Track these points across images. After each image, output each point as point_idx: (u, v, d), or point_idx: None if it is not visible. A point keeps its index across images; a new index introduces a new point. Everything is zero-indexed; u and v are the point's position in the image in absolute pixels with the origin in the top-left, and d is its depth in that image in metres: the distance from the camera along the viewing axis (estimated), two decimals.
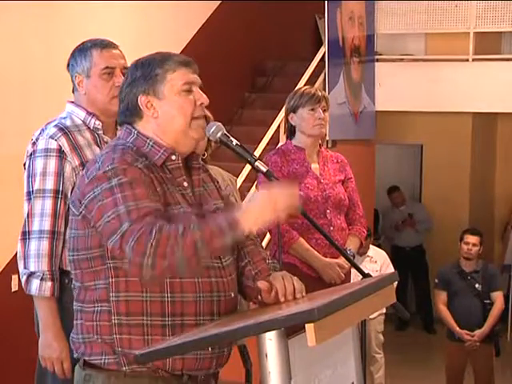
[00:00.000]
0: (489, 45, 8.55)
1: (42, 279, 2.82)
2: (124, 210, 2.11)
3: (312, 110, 3.97)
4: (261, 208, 2.09)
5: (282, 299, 2.25)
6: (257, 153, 6.28)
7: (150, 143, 2.27)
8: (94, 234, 2.20)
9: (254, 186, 4.33)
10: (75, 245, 2.27)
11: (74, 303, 2.31)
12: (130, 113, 2.30)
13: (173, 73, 2.27)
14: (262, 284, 2.28)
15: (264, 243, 6.28)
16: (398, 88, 8.20)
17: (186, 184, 2.30)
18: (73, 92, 3.04)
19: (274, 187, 2.15)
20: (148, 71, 2.27)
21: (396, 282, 2.45)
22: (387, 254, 6.96)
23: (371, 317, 6.41)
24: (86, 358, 2.26)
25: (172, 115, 2.27)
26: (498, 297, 6.14)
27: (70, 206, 2.30)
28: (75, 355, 2.32)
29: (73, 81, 3.01)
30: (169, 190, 2.23)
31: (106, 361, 2.22)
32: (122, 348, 2.20)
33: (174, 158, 2.29)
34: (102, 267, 2.21)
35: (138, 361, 2.09)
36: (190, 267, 2.11)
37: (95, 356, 2.24)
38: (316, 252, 3.92)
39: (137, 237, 2.07)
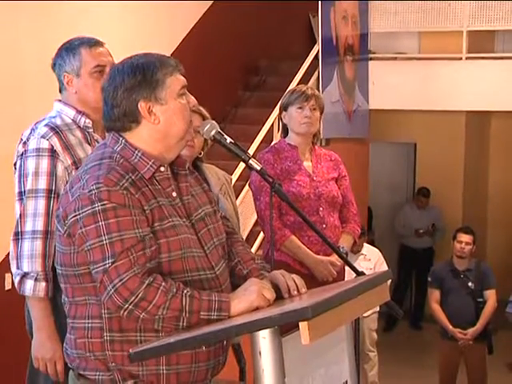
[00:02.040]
0: (482, 43, 8.57)
1: (36, 280, 2.80)
2: (107, 241, 2.08)
3: (300, 108, 3.98)
4: (250, 301, 2.15)
5: (286, 295, 2.26)
6: (251, 151, 6.28)
7: (139, 154, 2.21)
8: (79, 251, 2.16)
9: (247, 184, 4.32)
10: (61, 260, 2.23)
11: (67, 319, 2.28)
12: (127, 119, 2.21)
13: (170, 77, 2.22)
14: None
15: (258, 241, 6.29)
16: (391, 86, 8.21)
17: (174, 194, 2.27)
18: (60, 91, 3.00)
19: (266, 284, 2.22)
20: (149, 76, 2.20)
21: (389, 281, 2.45)
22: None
23: (365, 315, 6.41)
24: (81, 372, 2.24)
25: (174, 121, 2.23)
26: (490, 295, 6.14)
27: (55, 220, 2.25)
28: (69, 365, 2.30)
29: (60, 80, 2.97)
30: (158, 204, 2.19)
31: (100, 377, 2.20)
32: (117, 363, 2.18)
33: (162, 169, 2.25)
34: (91, 284, 2.17)
35: (132, 359, 2.08)
36: (165, 327, 2.13)
37: (89, 371, 2.22)
38: (308, 249, 3.92)
39: (125, 279, 2.06)
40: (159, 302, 2.07)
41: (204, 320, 2.11)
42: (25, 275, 2.81)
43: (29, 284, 2.81)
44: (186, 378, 2.21)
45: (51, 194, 2.84)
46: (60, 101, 3.00)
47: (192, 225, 2.27)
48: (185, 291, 2.10)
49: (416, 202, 10.04)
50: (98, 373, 2.20)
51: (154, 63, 2.22)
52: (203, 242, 2.28)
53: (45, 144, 2.85)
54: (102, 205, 2.09)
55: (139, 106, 2.20)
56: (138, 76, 2.20)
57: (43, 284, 2.81)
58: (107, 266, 2.07)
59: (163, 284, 2.09)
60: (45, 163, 2.84)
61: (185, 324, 2.11)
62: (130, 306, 2.07)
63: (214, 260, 2.28)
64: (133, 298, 2.06)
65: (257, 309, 2.15)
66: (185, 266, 2.19)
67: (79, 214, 2.11)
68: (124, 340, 2.16)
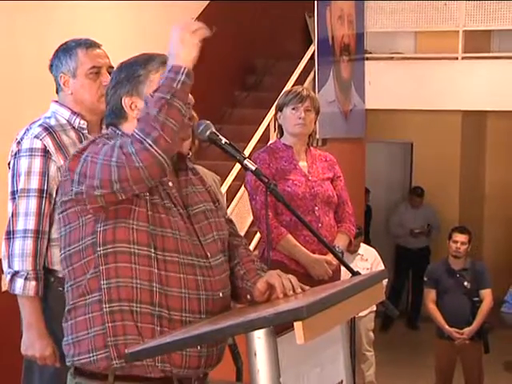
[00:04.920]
0: (478, 43, 8.58)
1: (26, 278, 2.83)
2: (115, 142, 2.16)
3: (294, 109, 4.00)
4: (182, 45, 2.18)
5: (281, 295, 2.27)
6: (247, 151, 6.28)
7: None
8: (87, 221, 2.21)
9: (243, 184, 4.34)
10: (67, 240, 2.27)
11: (67, 307, 2.29)
12: (115, 115, 2.31)
13: (156, 73, 2.28)
14: (260, 284, 2.32)
15: (254, 241, 6.30)
16: (387, 86, 8.22)
17: (170, 184, 2.31)
18: (57, 92, 3.03)
19: (174, 29, 2.23)
20: (131, 72, 2.28)
21: (385, 280, 2.46)
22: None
23: (362, 314, 6.42)
24: (76, 359, 2.25)
25: None
26: (486, 294, 6.16)
27: (58, 201, 2.28)
28: (67, 362, 2.31)
29: (57, 81, 3.00)
30: (154, 185, 2.24)
31: (95, 357, 2.21)
32: (116, 336, 2.19)
33: None
34: (92, 256, 2.21)
35: (128, 359, 2.09)
36: (183, 127, 2.18)
37: (83, 355, 2.23)
38: (304, 248, 3.93)
39: (132, 137, 2.13)
40: (154, 120, 2.11)
41: (182, 90, 2.15)
42: (15, 274, 2.85)
43: (19, 283, 2.83)
44: (178, 360, 2.21)
45: (43, 193, 2.87)
46: (56, 102, 3.03)
47: (188, 215, 2.31)
48: (158, 100, 2.13)
49: (410, 202, 10.05)
50: (92, 354, 2.21)
51: (139, 61, 2.31)
52: (200, 232, 2.31)
53: (38, 144, 2.88)
54: (105, 140, 2.24)
55: (123, 101, 2.29)
56: (122, 73, 2.30)
57: (33, 283, 2.84)
58: (118, 142, 2.15)
59: (144, 118, 2.15)
60: (37, 163, 2.87)
61: (184, 113, 2.15)
62: (149, 139, 2.10)
63: (210, 251, 2.31)
64: (142, 137, 2.10)
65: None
66: (178, 246, 2.23)
67: (86, 153, 2.19)
68: (124, 310, 2.19)
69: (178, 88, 2.13)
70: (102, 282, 2.21)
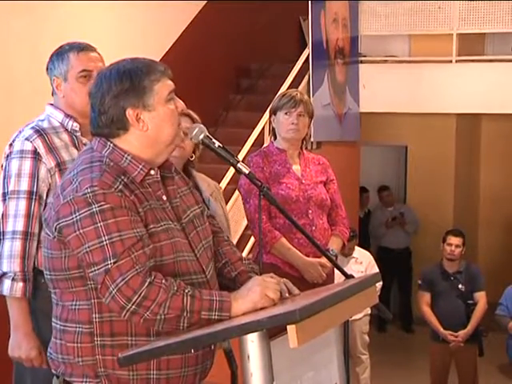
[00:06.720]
0: (472, 46, 8.60)
1: (13, 280, 2.84)
2: (107, 241, 2.07)
3: (287, 114, 3.99)
4: (253, 302, 2.14)
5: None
6: (241, 154, 6.28)
7: (128, 158, 2.21)
8: (71, 255, 2.15)
9: (237, 188, 4.33)
10: (51, 265, 2.22)
11: (54, 320, 2.27)
12: (115, 126, 2.20)
13: (158, 83, 2.21)
14: None
15: (249, 245, 6.29)
16: (382, 89, 8.23)
17: (164, 198, 2.27)
18: (52, 95, 3.05)
19: (269, 283, 2.19)
20: (136, 83, 2.18)
21: (380, 283, 2.46)
22: (373, 253, 6.98)
23: (356, 317, 6.42)
24: (67, 379, 2.23)
25: (162, 127, 2.22)
26: (481, 297, 6.17)
27: (43, 224, 2.23)
28: (53, 370, 2.28)
29: (51, 84, 3.02)
30: (150, 207, 2.19)
31: (88, 383, 2.19)
32: (106, 368, 2.17)
33: (153, 172, 2.25)
34: (82, 288, 2.17)
35: (121, 363, 2.07)
36: (168, 327, 2.12)
37: (76, 377, 2.21)
38: (298, 251, 3.93)
39: (127, 278, 2.06)
40: (161, 300, 2.06)
41: (204, 320, 2.10)
42: (3, 275, 2.86)
43: (6, 284, 2.85)
44: (175, 382, 2.21)
45: (32, 195, 2.88)
46: (51, 105, 3.04)
47: (182, 228, 2.28)
48: (186, 290, 2.10)
49: (381, 201, 10.09)
50: (85, 379, 2.19)
51: (141, 69, 2.20)
52: (193, 245, 2.28)
53: (28, 146, 2.89)
54: (99, 206, 2.09)
55: (127, 113, 2.19)
56: (126, 83, 2.18)
57: (20, 284, 2.84)
58: (109, 266, 2.06)
59: (164, 282, 2.09)
60: (27, 165, 2.88)
61: (186, 324, 2.10)
62: (134, 306, 2.06)
63: (204, 263, 2.29)
64: (136, 297, 2.05)
65: (261, 309, 2.14)
66: (177, 269, 2.20)
67: (76, 217, 2.10)
68: (115, 344, 2.15)
69: (212, 319, 2.11)
70: (93, 316, 2.16)
